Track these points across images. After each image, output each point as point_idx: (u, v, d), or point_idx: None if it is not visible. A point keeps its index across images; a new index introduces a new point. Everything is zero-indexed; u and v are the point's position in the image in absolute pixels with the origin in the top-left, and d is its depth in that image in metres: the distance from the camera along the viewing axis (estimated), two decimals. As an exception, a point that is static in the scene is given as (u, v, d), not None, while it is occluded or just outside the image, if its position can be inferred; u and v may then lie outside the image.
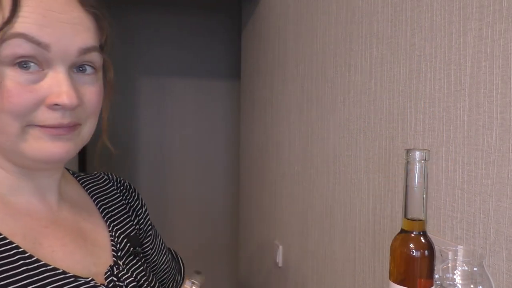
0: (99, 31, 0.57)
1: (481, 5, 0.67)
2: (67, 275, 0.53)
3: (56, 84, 0.52)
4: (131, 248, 0.65)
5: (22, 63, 0.50)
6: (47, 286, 0.50)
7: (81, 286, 0.53)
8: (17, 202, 0.56)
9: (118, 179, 0.76)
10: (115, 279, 0.58)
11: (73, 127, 0.55)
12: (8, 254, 0.50)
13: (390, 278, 0.56)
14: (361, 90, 1.01)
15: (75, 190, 0.66)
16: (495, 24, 0.64)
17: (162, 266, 0.78)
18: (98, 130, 0.62)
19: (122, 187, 0.75)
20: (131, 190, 0.76)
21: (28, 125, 0.52)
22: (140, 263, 0.66)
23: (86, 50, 0.54)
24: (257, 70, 1.93)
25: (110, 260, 0.61)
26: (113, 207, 0.70)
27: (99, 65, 0.58)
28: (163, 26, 2.84)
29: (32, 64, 0.51)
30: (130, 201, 0.74)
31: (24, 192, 0.57)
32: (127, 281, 0.59)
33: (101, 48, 0.58)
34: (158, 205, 2.91)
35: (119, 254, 0.62)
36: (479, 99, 0.67)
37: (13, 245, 0.51)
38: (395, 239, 0.57)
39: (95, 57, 0.56)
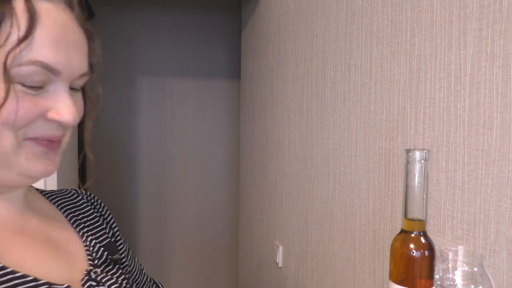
0: (90, 53, 0.58)
1: (481, 5, 0.67)
2: (39, 282, 0.49)
3: (59, 101, 0.52)
4: (109, 256, 0.62)
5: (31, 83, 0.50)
6: None
7: None
8: None
9: (88, 193, 0.74)
10: (94, 283, 0.55)
11: (60, 141, 0.55)
12: None
13: (390, 278, 0.56)
14: (361, 90, 1.01)
15: (43, 203, 0.64)
16: (495, 24, 0.64)
17: (144, 286, 0.75)
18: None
19: (93, 200, 0.73)
20: (102, 204, 0.74)
21: (24, 138, 0.51)
22: (121, 271, 0.63)
23: (83, 75, 0.55)
24: (257, 70, 1.93)
25: (87, 267, 0.58)
26: (85, 219, 0.68)
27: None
28: (163, 26, 2.84)
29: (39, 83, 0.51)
30: (103, 213, 0.72)
31: None
32: (108, 283, 0.56)
33: (91, 70, 0.58)
34: (158, 205, 2.91)
35: (96, 262, 0.60)
36: (479, 99, 0.67)
37: None
38: (395, 239, 0.56)
39: (84, 81, 0.57)
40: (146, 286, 0.76)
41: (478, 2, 0.67)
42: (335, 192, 1.15)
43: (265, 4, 1.80)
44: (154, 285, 0.79)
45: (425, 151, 0.54)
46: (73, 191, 0.72)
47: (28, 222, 0.58)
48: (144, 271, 0.77)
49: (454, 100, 0.72)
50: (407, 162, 0.55)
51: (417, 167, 0.54)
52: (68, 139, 0.58)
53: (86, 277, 0.55)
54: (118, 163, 2.82)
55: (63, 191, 0.71)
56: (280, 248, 1.58)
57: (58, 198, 0.68)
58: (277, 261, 1.59)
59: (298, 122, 1.41)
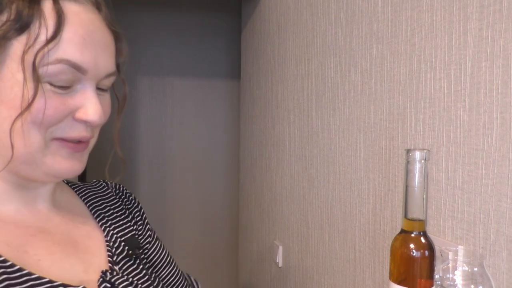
0: (117, 53, 0.59)
1: (481, 5, 0.66)
2: (54, 284, 0.50)
3: (86, 100, 0.54)
4: (130, 251, 0.63)
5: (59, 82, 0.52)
6: None
7: None
8: (3, 211, 0.54)
9: (117, 185, 0.75)
10: (108, 285, 0.55)
11: (87, 142, 0.57)
12: None
13: (390, 278, 0.56)
14: (361, 90, 1.01)
15: (69, 198, 0.65)
16: (495, 24, 0.64)
17: (172, 279, 0.74)
18: (105, 137, 0.64)
19: (121, 194, 0.74)
20: (130, 197, 0.75)
21: (52, 138, 0.52)
22: (141, 266, 0.63)
23: (110, 75, 0.57)
24: (257, 70, 1.93)
25: (105, 266, 0.59)
26: (111, 211, 0.68)
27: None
28: (163, 26, 2.84)
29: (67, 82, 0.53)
30: (129, 206, 0.73)
31: (13, 201, 0.56)
32: (122, 285, 0.56)
33: (117, 68, 0.60)
34: (158, 205, 2.90)
35: (115, 259, 0.60)
36: (479, 99, 0.67)
37: None
38: (395, 239, 0.56)
39: (112, 81, 0.59)
40: (174, 279, 0.74)
41: (478, 2, 0.67)
42: (335, 192, 1.15)
43: (265, 4, 1.80)
44: (184, 280, 0.77)
45: (425, 151, 0.54)
46: (103, 183, 0.74)
47: (50, 220, 0.59)
48: (173, 264, 0.75)
49: (454, 100, 0.72)
50: (407, 162, 0.55)
51: (417, 167, 0.54)
52: (95, 139, 0.60)
53: (101, 279, 0.56)
54: (118, 162, 2.81)
55: (93, 183, 0.73)
56: (280, 248, 1.58)
57: (86, 191, 0.69)
58: (277, 261, 1.59)
59: (298, 122, 1.41)
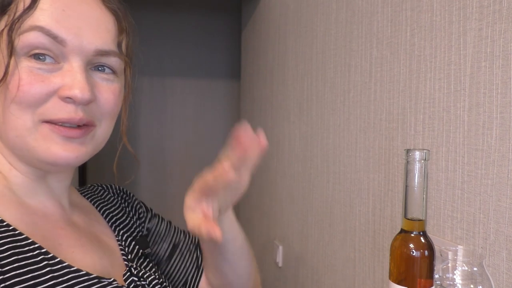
0: (119, 33, 0.56)
1: (481, 5, 0.67)
2: (90, 276, 0.51)
3: (69, 76, 0.50)
4: (141, 250, 0.64)
5: (38, 55, 0.50)
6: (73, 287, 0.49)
7: (105, 287, 0.51)
8: (33, 204, 0.54)
9: (113, 186, 0.74)
10: (135, 279, 0.57)
11: (87, 129, 0.53)
12: (32, 254, 0.48)
13: (390, 278, 0.56)
14: (361, 90, 1.01)
15: (80, 199, 0.66)
16: (495, 24, 0.64)
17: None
18: (114, 136, 0.62)
19: (121, 192, 0.74)
20: (131, 194, 0.75)
21: (41, 121, 0.50)
22: (151, 264, 0.65)
23: (104, 52, 0.53)
24: (257, 70, 1.93)
25: (122, 264, 0.60)
26: (117, 210, 0.69)
27: (120, 69, 0.57)
28: (163, 26, 2.85)
29: (47, 56, 0.50)
30: (129, 202, 0.73)
31: (39, 194, 0.55)
32: (149, 279, 0.58)
33: (120, 50, 0.57)
34: (158, 205, 2.90)
35: (129, 257, 0.61)
36: (479, 99, 0.67)
37: (36, 245, 0.49)
38: (395, 239, 0.57)
39: (114, 62, 0.55)
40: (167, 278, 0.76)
41: (478, 2, 0.67)
42: (335, 192, 1.15)
43: (265, 4, 1.80)
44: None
45: (425, 151, 0.54)
46: (99, 187, 0.73)
47: (72, 216, 0.59)
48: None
49: (454, 100, 0.72)
50: (407, 162, 0.55)
51: (417, 167, 0.54)
52: (104, 131, 0.56)
53: (128, 273, 0.57)
54: (118, 163, 2.81)
55: (90, 187, 0.72)
56: (280, 248, 1.58)
57: (89, 194, 0.69)
58: (277, 261, 1.60)
59: (298, 122, 1.41)
